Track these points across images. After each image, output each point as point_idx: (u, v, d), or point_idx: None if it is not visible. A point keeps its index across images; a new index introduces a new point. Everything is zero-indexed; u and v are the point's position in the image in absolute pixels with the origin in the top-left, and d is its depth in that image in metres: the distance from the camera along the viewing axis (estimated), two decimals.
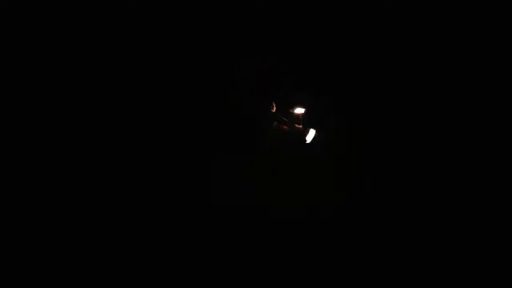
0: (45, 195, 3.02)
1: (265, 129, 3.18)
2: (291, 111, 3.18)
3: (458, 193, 3.03)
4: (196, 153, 3.16)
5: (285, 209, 3.05)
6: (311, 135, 3.13)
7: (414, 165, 3.13)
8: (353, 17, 3.26)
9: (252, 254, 2.95)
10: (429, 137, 3.16)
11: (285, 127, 3.16)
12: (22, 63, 3.17)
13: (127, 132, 3.16)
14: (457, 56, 3.20)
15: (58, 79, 3.19)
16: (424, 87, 3.21)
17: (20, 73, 3.16)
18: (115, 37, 3.24)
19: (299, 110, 3.18)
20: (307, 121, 3.17)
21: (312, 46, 3.28)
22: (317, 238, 2.99)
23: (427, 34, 3.23)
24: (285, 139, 3.17)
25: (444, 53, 3.22)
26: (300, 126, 3.16)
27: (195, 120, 3.20)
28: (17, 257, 2.88)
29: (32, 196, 3.01)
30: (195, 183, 3.10)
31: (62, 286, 2.85)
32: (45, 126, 3.12)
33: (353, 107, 3.22)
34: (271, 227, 3.02)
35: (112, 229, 2.99)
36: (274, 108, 3.19)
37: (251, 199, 3.06)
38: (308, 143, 3.14)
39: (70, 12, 3.20)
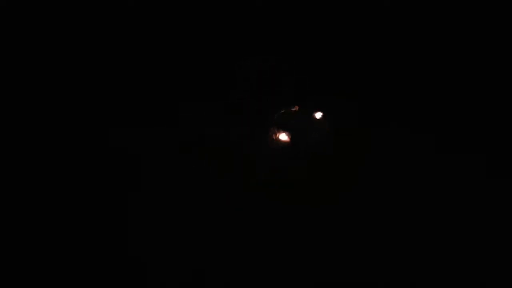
0: (44, 194, 3.02)
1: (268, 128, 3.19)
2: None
3: (459, 193, 3.04)
4: (195, 152, 3.16)
5: (284, 209, 3.05)
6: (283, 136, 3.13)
7: (415, 165, 3.13)
8: (353, 17, 3.27)
9: (252, 254, 2.96)
10: (430, 137, 3.16)
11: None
12: (22, 63, 3.17)
13: (125, 132, 3.16)
14: (457, 56, 3.21)
15: (58, 79, 3.20)
16: (424, 87, 3.22)
17: (20, 73, 3.17)
18: (114, 37, 3.25)
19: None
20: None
21: (312, 46, 3.29)
22: (317, 238, 2.99)
23: (427, 34, 3.24)
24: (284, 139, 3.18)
25: (444, 53, 3.22)
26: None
27: (194, 120, 3.21)
28: (17, 256, 2.89)
29: (31, 195, 3.01)
30: (195, 183, 3.10)
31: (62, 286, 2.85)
32: (45, 126, 3.13)
33: (352, 107, 3.22)
34: (271, 227, 3.02)
35: (106, 228, 2.99)
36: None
37: (251, 199, 3.06)
38: (308, 143, 3.15)
39: (70, 12, 3.21)
